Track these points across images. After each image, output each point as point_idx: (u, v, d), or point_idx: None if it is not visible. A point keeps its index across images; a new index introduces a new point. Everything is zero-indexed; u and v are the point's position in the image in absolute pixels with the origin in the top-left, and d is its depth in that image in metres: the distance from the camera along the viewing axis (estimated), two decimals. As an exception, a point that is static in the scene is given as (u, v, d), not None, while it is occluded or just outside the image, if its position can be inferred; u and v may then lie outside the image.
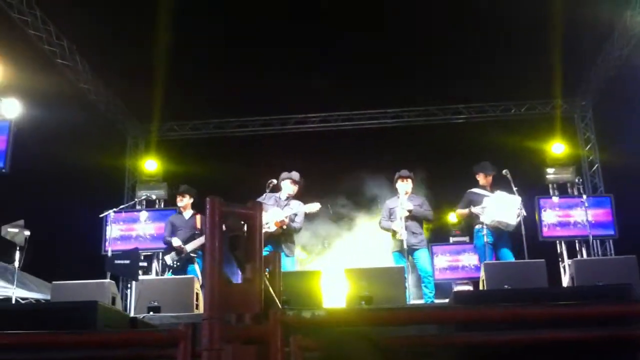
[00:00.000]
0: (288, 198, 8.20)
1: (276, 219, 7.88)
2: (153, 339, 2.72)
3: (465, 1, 9.19)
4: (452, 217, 12.94)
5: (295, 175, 8.25)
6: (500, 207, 8.10)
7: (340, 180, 11.40)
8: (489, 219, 8.03)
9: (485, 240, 8.06)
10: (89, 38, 10.09)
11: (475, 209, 8.16)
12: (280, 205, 8.09)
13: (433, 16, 9.62)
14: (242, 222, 2.75)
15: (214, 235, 2.59)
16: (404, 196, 8.18)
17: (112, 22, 9.34)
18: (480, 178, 8.47)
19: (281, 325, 2.57)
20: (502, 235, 8.15)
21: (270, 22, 9.73)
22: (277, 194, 8.25)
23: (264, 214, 7.75)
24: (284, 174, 8.27)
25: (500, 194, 8.21)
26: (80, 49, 10.59)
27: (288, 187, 8.21)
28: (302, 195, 8.39)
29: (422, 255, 8.07)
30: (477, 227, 8.27)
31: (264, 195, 8.16)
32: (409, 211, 8.01)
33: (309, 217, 8.44)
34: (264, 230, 7.64)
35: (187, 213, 8.75)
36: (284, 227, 7.94)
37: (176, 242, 8.35)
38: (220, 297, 2.53)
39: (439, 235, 12.59)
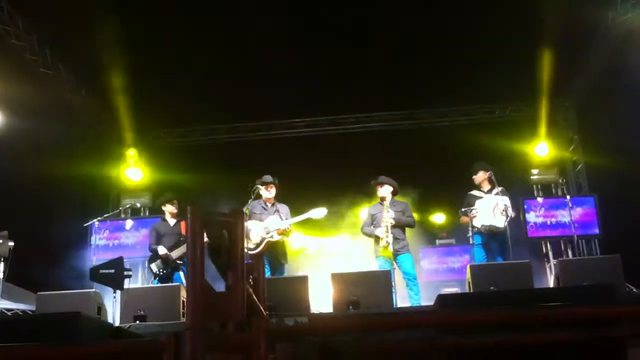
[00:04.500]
0: (273, 204, 8.22)
1: (278, 228, 7.91)
2: (135, 350, 2.70)
3: (447, 4, 9.20)
4: (438, 219, 12.97)
5: (268, 178, 8.24)
6: (487, 211, 8.17)
7: (327, 184, 11.40)
8: (479, 223, 8.14)
9: (472, 242, 8.15)
10: (72, 47, 10.02)
11: (464, 218, 8.26)
12: (270, 212, 8.12)
13: (413, 19, 9.64)
14: (224, 231, 2.74)
15: (196, 245, 2.58)
16: (386, 203, 8.23)
17: (97, 31, 9.26)
18: (475, 179, 8.55)
19: (265, 333, 2.56)
20: (495, 238, 8.20)
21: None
22: (260, 201, 8.24)
23: (260, 223, 7.87)
24: (258, 181, 8.24)
25: (488, 198, 8.28)
26: (64, 58, 10.49)
27: (266, 192, 8.20)
28: (294, 201, 8.48)
29: (405, 260, 8.14)
30: (470, 229, 8.31)
31: (250, 203, 8.14)
32: (393, 220, 8.10)
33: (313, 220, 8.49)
34: (266, 240, 7.83)
35: (172, 220, 8.72)
36: (291, 233, 8.07)
37: (162, 250, 8.31)
38: (202, 306, 2.52)
39: (426, 238, 12.58)
